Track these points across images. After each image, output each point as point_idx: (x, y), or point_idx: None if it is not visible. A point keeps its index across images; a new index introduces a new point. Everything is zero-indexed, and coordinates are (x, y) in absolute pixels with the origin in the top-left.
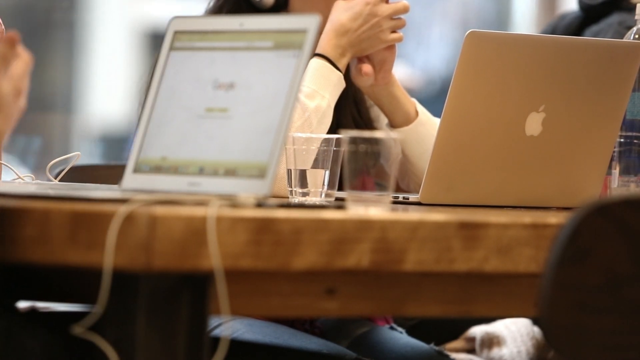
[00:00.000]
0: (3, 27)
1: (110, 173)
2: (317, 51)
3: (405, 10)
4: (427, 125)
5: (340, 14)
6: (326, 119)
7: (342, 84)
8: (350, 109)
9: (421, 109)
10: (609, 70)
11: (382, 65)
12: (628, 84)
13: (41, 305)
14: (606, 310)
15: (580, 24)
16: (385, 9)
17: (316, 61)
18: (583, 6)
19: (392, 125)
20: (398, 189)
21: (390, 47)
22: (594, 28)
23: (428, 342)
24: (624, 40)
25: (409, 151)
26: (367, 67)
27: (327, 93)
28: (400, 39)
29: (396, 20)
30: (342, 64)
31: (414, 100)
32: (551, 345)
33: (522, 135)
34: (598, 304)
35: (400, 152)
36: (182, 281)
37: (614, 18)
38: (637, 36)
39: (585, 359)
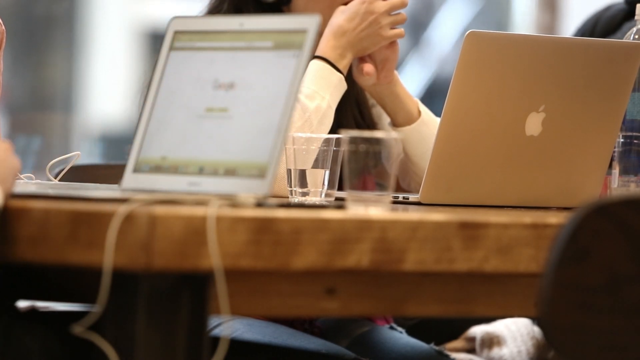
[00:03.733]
0: (3, 27)
1: (110, 173)
2: (317, 54)
3: (402, 5)
4: (430, 124)
5: (337, 16)
6: (327, 120)
7: (344, 86)
8: (352, 111)
9: (424, 108)
10: (609, 71)
11: (385, 64)
12: (628, 84)
13: (41, 304)
14: (606, 310)
15: (624, 17)
16: (381, 5)
17: (316, 63)
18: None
19: (395, 124)
20: (399, 189)
21: (392, 46)
22: (629, 26)
23: (428, 342)
24: (624, 40)
25: (411, 150)
26: (368, 67)
27: (327, 94)
28: (401, 35)
29: (395, 16)
30: (342, 65)
31: (416, 99)
32: (551, 345)
33: (522, 135)
34: (598, 304)
35: (401, 152)
36: (182, 281)
37: None
38: (637, 36)
39: (585, 359)
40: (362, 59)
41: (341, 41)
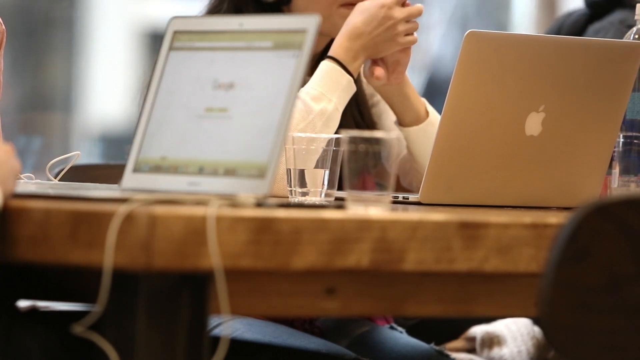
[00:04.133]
0: (3, 26)
1: (110, 173)
2: (329, 54)
3: (419, 13)
4: (437, 125)
5: (354, 17)
6: (332, 123)
7: (352, 88)
8: (352, 111)
9: (431, 109)
10: (609, 70)
11: (396, 67)
12: (628, 84)
13: (41, 304)
14: (606, 310)
15: (586, 21)
16: (400, 12)
17: (326, 64)
18: (588, 3)
19: (402, 124)
20: (399, 187)
21: (405, 49)
22: (597, 25)
23: (428, 342)
24: (624, 40)
25: (417, 150)
26: (379, 71)
27: (335, 96)
28: (414, 41)
29: (411, 24)
30: (353, 68)
31: (423, 100)
32: (551, 345)
33: (522, 135)
34: (598, 304)
35: (401, 152)
36: (182, 281)
37: (616, 16)
38: (637, 36)
39: (585, 359)
40: (374, 61)
41: (356, 44)
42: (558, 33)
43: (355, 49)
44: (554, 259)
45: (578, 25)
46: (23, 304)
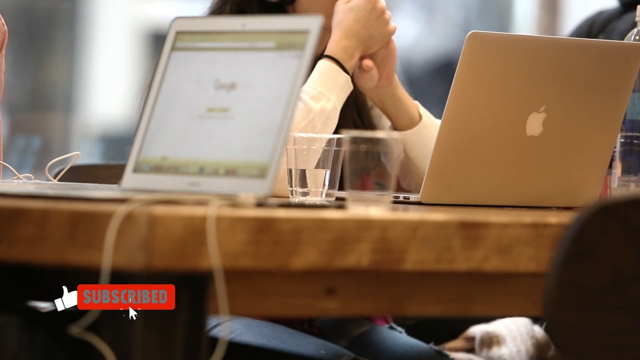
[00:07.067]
0: (5, 27)
1: (110, 173)
2: (326, 53)
3: None
4: (430, 127)
5: (346, 15)
6: (331, 121)
7: (350, 87)
8: (351, 113)
9: (424, 111)
10: (610, 71)
11: (385, 63)
12: (628, 84)
13: (41, 304)
14: (611, 309)
15: (619, 17)
16: (382, 3)
17: (324, 63)
18: (623, 1)
19: (396, 128)
20: (399, 189)
21: (389, 44)
22: (632, 15)
23: (427, 342)
24: (624, 41)
25: (413, 153)
26: (367, 61)
27: (333, 95)
28: (395, 29)
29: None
30: (350, 66)
31: (416, 102)
32: (556, 345)
33: (523, 135)
34: (603, 304)
35: (401, 152)
36: (181, 281)
37: None
38: (637, 37)
39: (589, 358)
40: (361, 59)
41: (352, 41)
42: (589, 30)
43: (352, 47)
44: (558, 258)
45: (611, 21)
46: (22, 304)
